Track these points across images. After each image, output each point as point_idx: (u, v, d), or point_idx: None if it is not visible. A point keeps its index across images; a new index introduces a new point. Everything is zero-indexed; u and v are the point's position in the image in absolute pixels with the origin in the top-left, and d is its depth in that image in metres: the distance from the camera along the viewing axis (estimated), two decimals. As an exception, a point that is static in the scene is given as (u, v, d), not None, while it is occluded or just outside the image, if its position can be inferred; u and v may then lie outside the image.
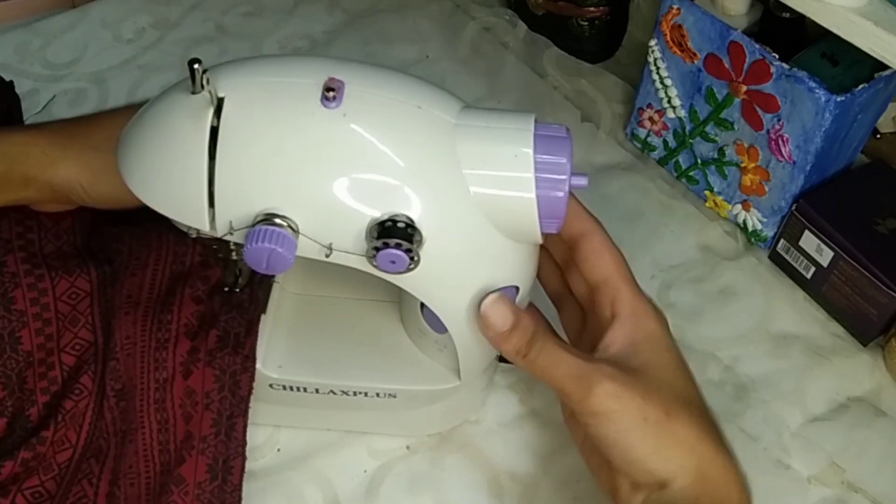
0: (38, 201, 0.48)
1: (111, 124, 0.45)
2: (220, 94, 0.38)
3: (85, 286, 0.48)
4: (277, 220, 0.37)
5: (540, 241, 0.41)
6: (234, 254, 0.45)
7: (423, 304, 0.46)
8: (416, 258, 0.39)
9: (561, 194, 0.39)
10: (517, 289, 0.43)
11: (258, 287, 0.49)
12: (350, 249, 0.39)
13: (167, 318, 0.47)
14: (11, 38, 0.76)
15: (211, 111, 0.37)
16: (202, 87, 0.37)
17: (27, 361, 0.46)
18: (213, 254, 0.46)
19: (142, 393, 0.46)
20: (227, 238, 0.39)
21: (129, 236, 0.51)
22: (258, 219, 0.38)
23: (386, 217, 0.38)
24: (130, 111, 0.43)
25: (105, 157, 0.44)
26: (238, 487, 0.46)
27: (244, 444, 0.47)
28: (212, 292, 0.48)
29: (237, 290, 0.48)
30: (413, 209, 0.38)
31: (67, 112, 0.70)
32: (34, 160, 0.45)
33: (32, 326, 0.46)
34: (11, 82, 0.68)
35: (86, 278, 0.48)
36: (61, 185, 0.46)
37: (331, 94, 0.37)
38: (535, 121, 0.40)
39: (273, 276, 0.50)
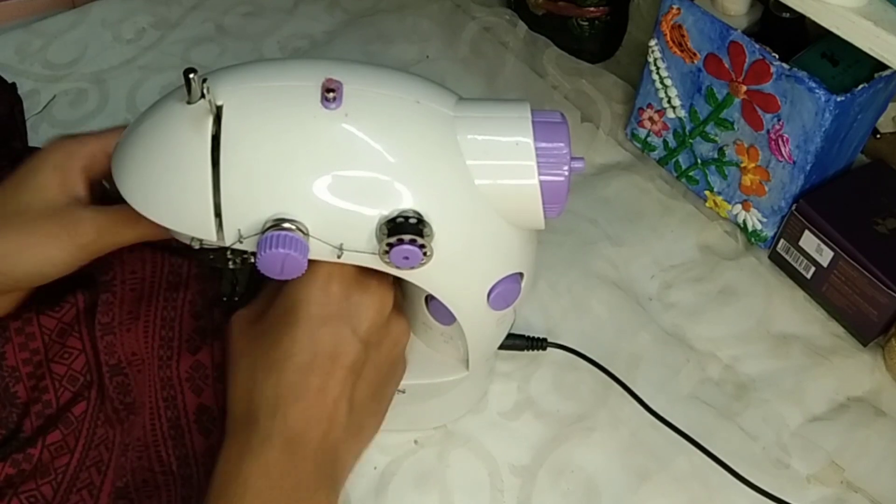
0: None
1: (5, 194, 0.42)
2: (218, 102, 0.37)
3: (71, 299, 0.47)
4: (287, 225, 0.37)
5: (542, 226, 0.42)
6: (230, 263, 0.44)
7: (427, 298, 0.46)
8: (428, 252, 0.39)
9: (562, 178, 0.40)
10: (521, 275, 0.44)
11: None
12: (361, 249, 0.39)
13: (168, 334, 0.47)
14: (11, 39, 0.76)
15: (210, 120, 0.37)
16: (201, 95, 0.36)
17: (13, 376, 0.46)
18: (210, 264, 0.46)
19: (151, 410, 0.46)
20: (237, 247, 0.39)
21: (120, 249, 0.50)
22: (268, 225, 0.37)
23: (395, 214, 0.38)
24: (24, 182, 0.41)
25: (7, 238, 0.41)
26: None
27: None
28: (211, 305, 0.48)
29: (236, 299, 0.48)
30: (421, 204, 0.39)
31: (68, 112, 0.70)
32: None
33: (15, 342, 0.46)
34: (14, 84, 0.69)
35: (72, 295, 0.48)
36: None
37: (331, 94, 0.37)
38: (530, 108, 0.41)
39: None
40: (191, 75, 0.36)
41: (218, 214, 0.38)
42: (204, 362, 0.46)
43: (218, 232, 0.38)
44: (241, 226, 0.38)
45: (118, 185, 0.40)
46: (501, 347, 0.52)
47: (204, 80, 0.36)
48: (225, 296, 0.48)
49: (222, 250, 0.40)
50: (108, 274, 0.48)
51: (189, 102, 0.37)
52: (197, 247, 0.40)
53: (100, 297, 0.47)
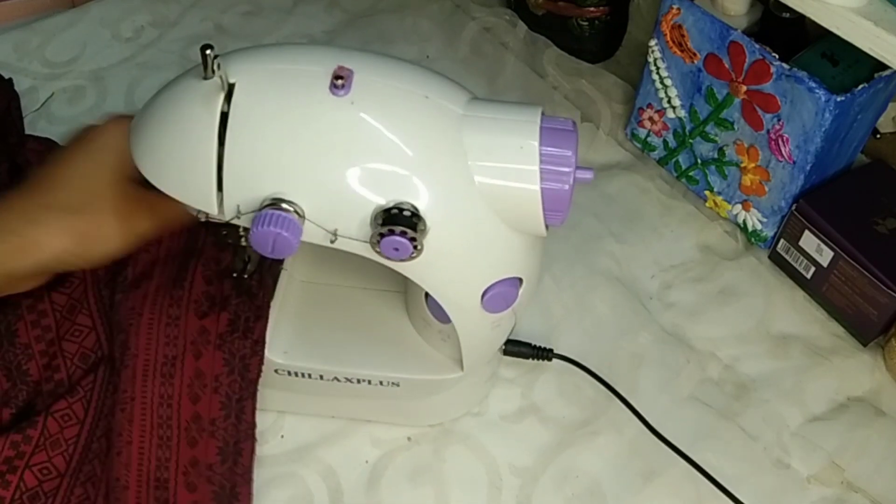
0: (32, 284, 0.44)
1: (81, 178, 0.43)
2: (231, 80, 0.38)
3: (79, 273, 0.48)
4: (284, 205, 0.38)
5: (544, 233, 0.42)
6: (243, 240, 0.45)
7: (427, 294, 0.46)
8: (419, 246, 0.39)
9: (566, 187, 0.40)
10: (521, 280, 0.43)
11: (267, 273, 0.50)
12: (355, 236, 0.39)
13: (178, 293, 0.47)
14: (10, 37, 0.75)
15: (221, 97, 0.38)
16: (213, 72, 0.37)
17: (26, 354, 0.46)
18: (223, 240, 0.47)
19: (146, 365, 0.46)
20: (234, 222, 0.40)
21: None
22: (265, 203, 0.38)
23: (391, 204, 0.38)
24: (96, 152, 0.42)
25: (87, 217, 0.42)
26: (249, 469, 0.47)
27: (253, 426, 0.47)
28: (222, 275, 0.49)
29: (245, 275, 0.49)
30: (418, 198, 0.39)
31: (66, 109, 0.70)
32: (16, 249, 0.41)
33: (27, 319, 0.46)
34: (10, 80, 0.68)
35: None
36: (50, 262, 0.42)
37: (339, 81, 0.38)
38: (542, 114, 0.40)
39: (281, 263, 0.51)
40: (207, 51, 0.36)
41: (220, 189, 0.39)
42: (209, 328, 0.47)
43: (219, 206, 0.39)
44: (240, 201, 0.39)
45: (133, 154, 0.40)
46: (507, 353, 0.52)
47: (216, 57, 0.37)
48: (236, 271, 0.49)
49: (235, 226, 0.41)
50: None
51: (204, 78, 0.38)
52: (203, 219, 0.41)
53: (118, 259, 0.47)
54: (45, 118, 0.69)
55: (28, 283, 0.44)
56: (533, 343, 0.54)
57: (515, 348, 0.53)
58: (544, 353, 0.54)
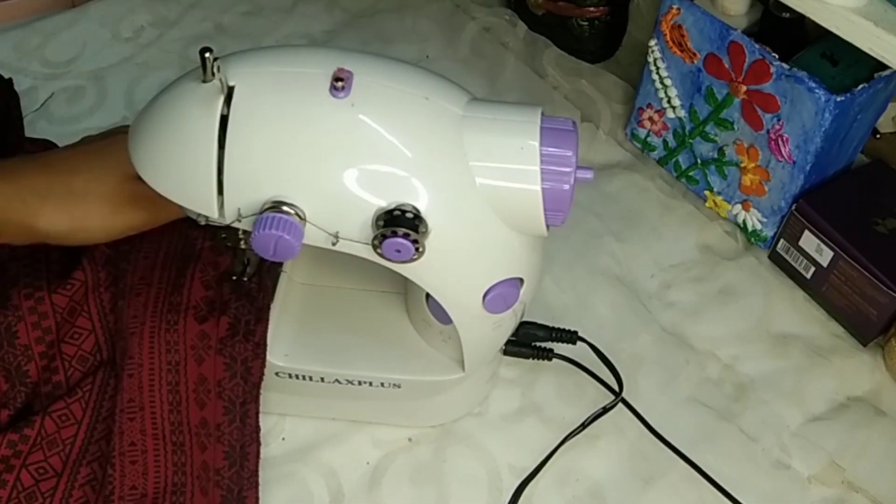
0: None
1: (89, 166, 0.45)
2: (231, 83, 0.38)
3: (80, 276, 0.48)
4: (285, 208, 0.38)
5: (545, 233, 0.42)
6: (242, 243, 0.46)
7: (428, 295, 0.46)
8: (420, 248, 0.39)
9: (566, 187, 0.40)
10: (521, 280, 0.43)
11: (266, 276, 0.50)
12: (356, 238, 0.39)
13: (177, 299, 0.47)
14: (10, 37, 0.75)
15: (221, 100, 0.38)
16: (213, 75, 0.37)
17: (26, 355, 0.46)
18: (222, 243, 0.47)
19: (151, 373, 0.46)
20: (235, 225, 0.40)
21: None
22: (266, 206, 0.38)
23: (392, 206, 0.38)
24: (109, 148, 0.45)
25: (86, 205, 0.44)
26: (255, 473, 0.47)
27: (258, 429, 0.47)
28: (221, 279, 0.49)
29: (245, 278, 0.49)
30: (419, 199, 0.39)
31: (66, 109, 0.70)
32: (13, 210, 0.44)
33: (28, 320, 0.46)
34: (10, 80, 0.68)
35: (80, 270, 0.48)
36: (38, 235, 0.45)
37: (339, 84, 0.38)
38: (542, 114, 0.40)
39: (281, 266, 0.51)
40: (206, 54, 0.36)
41: (221, 192, 0.39)
42: (209, 333, 0.47)
43: (220, 209, 0.39)
44: (240, 205, 0.39)
45: (132, 157, 0.40)
46: (507, 354, 0.52)
47: (215, 60, 0.37)
48: (235, 275, 0.49)
49: (234, 229, 0.41)
50: (126, 243, 0.49)
51: (203, 81, 0.38)
52: (203, 223, 0.41)
53: (118, 264, 0.48)
54: (45, 118, 0.69)
55: (9, 239, 0.46)
56: (533, 343, 0.54)
57: (515, 348, 0.53)
58: (544, 353, 0.54)
